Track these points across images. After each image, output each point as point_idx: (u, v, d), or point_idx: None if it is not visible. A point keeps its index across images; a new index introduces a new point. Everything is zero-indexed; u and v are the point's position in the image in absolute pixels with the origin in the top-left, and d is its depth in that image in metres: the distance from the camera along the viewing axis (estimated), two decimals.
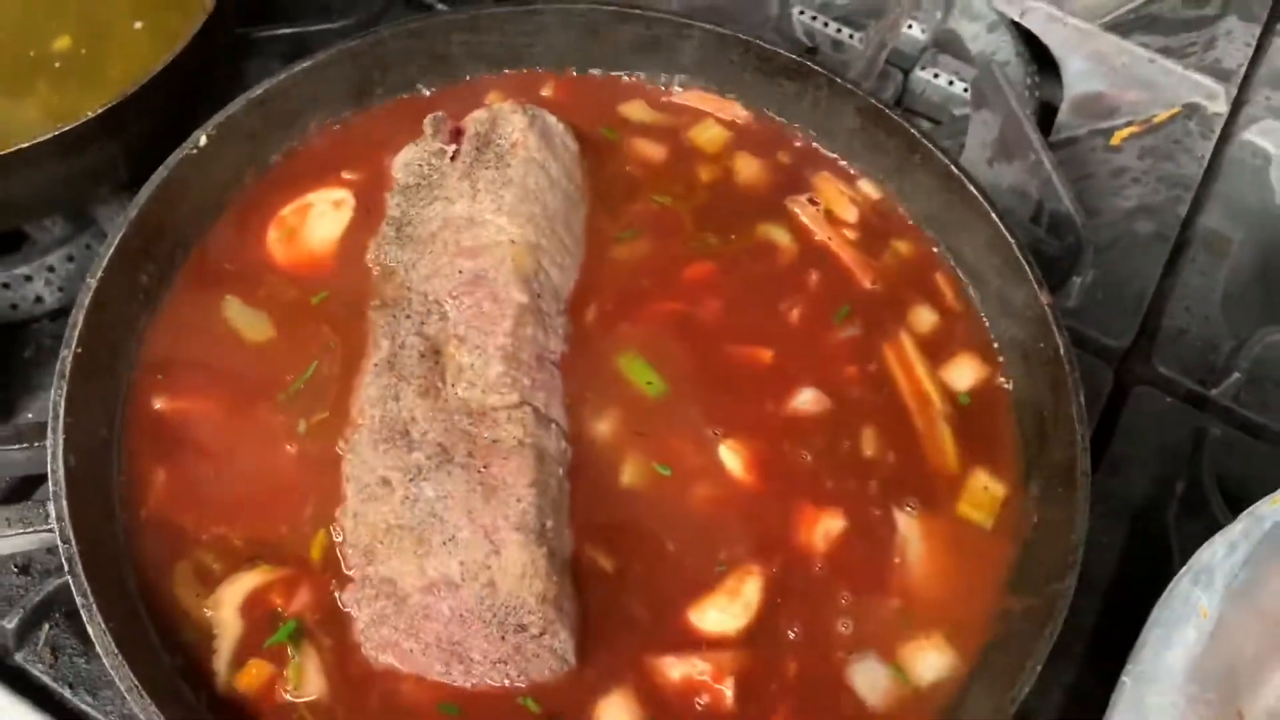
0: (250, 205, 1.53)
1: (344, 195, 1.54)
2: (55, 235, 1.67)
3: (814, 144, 1.66)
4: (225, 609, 1.26)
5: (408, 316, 1.38)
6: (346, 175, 1.56)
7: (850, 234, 1.58)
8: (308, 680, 1.22)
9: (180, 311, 1.45)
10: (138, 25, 1.70)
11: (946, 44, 1.98)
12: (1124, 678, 1.11)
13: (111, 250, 1.37)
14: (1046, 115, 1.94)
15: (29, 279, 1.64)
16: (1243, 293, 1.77)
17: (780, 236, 1.57)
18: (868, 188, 1.63)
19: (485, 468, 1.27)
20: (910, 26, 1.94)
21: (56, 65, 1.64)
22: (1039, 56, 1.99)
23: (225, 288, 1.46)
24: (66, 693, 1.37)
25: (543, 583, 1.21)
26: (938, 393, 1.45)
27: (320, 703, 1.22)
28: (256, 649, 1.24)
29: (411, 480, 1.26)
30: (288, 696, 1.21)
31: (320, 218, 1.52)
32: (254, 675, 1.22)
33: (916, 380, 1.46)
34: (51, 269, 1.65)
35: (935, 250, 1.57)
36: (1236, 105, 1.93)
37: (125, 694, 1.13)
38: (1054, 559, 1.27)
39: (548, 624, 1.21)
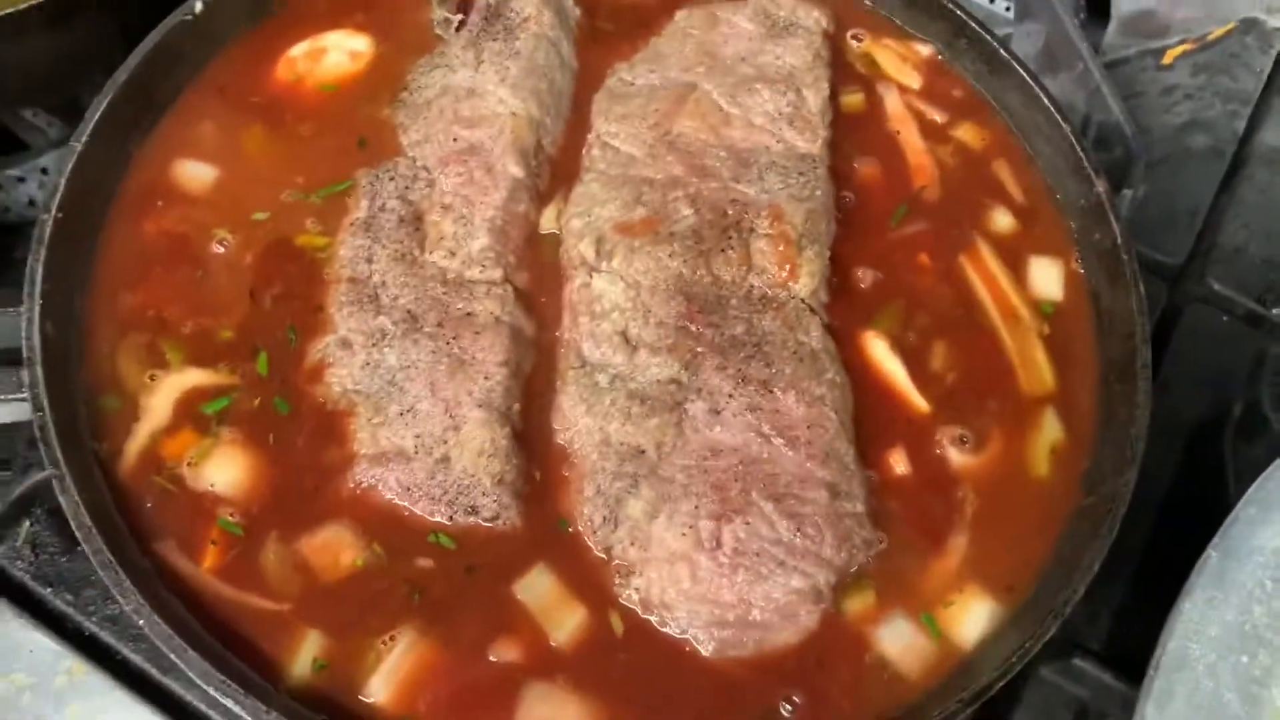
0: (256, 46, 1.30)
1: (362, 43, 1.32)
2: (49, 136, 1.48)
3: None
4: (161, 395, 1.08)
5: (391, 179, 1.18)
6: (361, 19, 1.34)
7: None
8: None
9: (179, 133, 1.23)
10: None
11: None
12: (1210, 550, 0.97)
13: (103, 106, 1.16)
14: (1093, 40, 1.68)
15: (21, 180, 1.46)
16: None
17: None
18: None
19: (454, 339, 1.07)
20: None
21: None
22: None
23: (231, 116, 1.25)
24: (47, 591, 1.19)
25: (501, 464, 1.02)
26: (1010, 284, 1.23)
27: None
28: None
29: (374, 345, 1.06)
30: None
31: (331, 62, 1.30)
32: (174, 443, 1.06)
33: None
34: (45, 171, 1.46)
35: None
36: None
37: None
38: (1113, 455, 1.09)
39: (502, 509, 1.01)
